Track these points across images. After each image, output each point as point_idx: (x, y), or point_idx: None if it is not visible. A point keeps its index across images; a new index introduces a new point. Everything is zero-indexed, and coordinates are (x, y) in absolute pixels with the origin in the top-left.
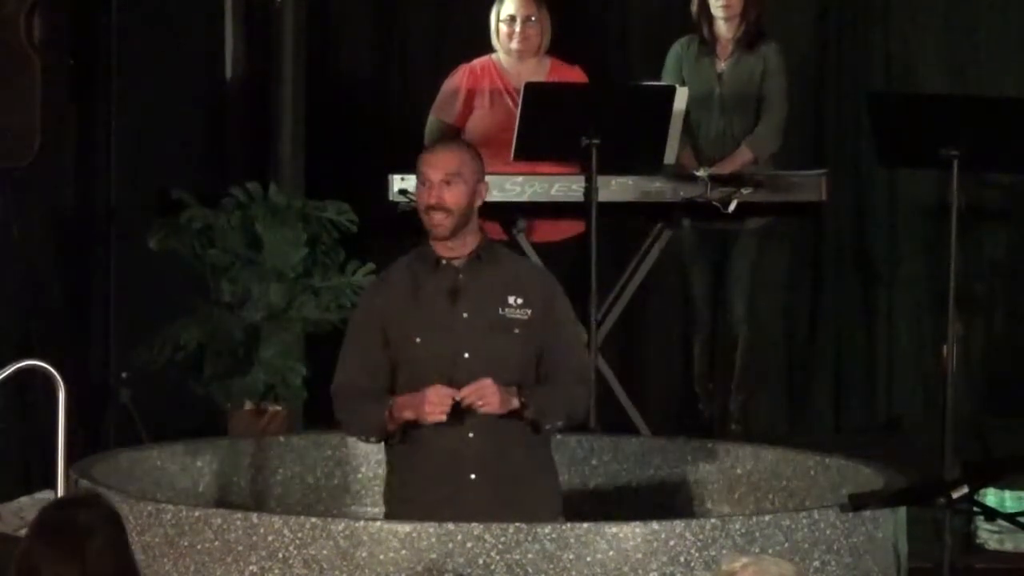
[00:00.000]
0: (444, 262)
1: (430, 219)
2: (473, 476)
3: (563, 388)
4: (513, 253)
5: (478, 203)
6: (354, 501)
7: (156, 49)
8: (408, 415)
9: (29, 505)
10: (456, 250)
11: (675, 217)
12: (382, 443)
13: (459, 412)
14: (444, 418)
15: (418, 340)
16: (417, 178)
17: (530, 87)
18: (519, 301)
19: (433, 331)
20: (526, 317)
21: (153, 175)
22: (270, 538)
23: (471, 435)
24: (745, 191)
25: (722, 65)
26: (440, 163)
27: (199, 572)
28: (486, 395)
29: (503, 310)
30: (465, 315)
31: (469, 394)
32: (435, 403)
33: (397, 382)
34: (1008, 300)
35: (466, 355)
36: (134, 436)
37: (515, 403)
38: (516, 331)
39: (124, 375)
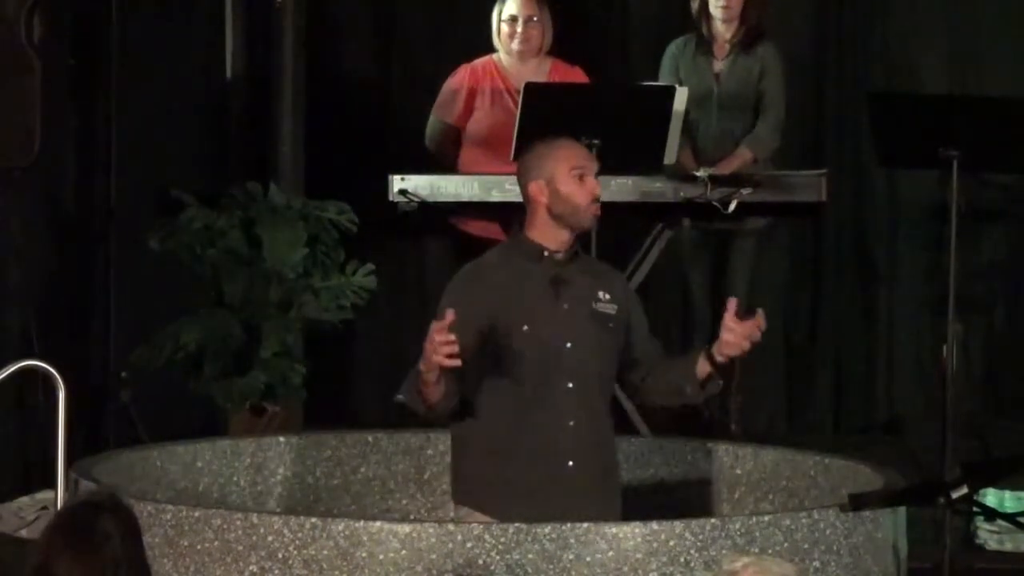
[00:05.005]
0: (547, 254)
1: (595, 211)
2: (571, 463)
3: None
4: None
5: None
6: (354, 501)
7: (156, 49)
8: (423, 368)
9: (29, 505)
10: (564, 244)
11: (675, 217)
12: (438, 415)
13: (560, 400)
14: (447, 361)
15: (525, 329)
16: (571, 170)
17: (530, 87)
18: (607, 296)
19: (539, 321)
20: (614, 312)
21: (153, 175)
22: (270, 538)
23: (571, 424)
24: (745, 191)
25: (719, 65)
26: (591, 156)
27: (199, 572)
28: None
29: (595, 304)
30: (566, 306)
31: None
32: (437, 342)
33: (487, 373)
34: (1008, 300)
35: (569, 345)
36: (134, 436)
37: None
38: (610, 324)
39: (124, 375)
